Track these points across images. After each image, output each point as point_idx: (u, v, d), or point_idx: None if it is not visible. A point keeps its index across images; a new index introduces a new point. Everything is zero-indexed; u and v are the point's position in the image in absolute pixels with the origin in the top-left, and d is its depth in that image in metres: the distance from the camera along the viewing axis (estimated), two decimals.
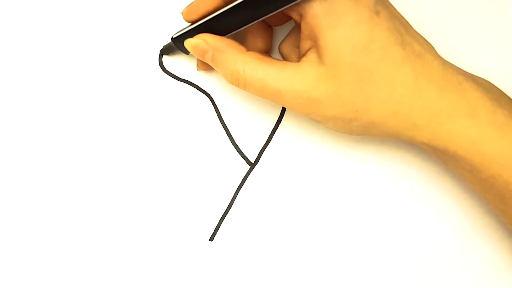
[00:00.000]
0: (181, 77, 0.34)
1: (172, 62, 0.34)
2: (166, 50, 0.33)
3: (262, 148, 0.33)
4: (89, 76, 0.34)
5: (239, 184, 0.33)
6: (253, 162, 0.33)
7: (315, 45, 0.27)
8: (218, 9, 0.28)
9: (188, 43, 0.30)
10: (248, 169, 0.33)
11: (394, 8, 0.28)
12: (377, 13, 0.26)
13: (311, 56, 0.27)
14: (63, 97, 0.33)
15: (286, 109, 0.34)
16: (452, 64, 0.28)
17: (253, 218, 0.33)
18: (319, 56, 0.27)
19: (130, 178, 0.33)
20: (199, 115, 0.33)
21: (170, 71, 0.34)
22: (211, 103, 0.34)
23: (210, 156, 0.33)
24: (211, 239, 0.33)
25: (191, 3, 0.29)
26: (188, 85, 0.34)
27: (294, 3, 0.26)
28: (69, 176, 0.33)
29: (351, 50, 0.26)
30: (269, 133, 0.33)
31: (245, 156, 0.33)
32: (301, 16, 0.27)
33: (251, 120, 0.33)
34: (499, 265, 0.32)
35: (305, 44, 0.28)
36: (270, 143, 0.33)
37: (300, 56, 0.28)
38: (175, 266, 0.32)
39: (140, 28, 0.34)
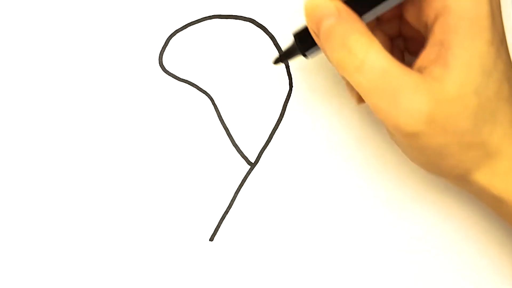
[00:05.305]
0: (181, 77, 0.34)
1: (172, 62, 0.34)
2: (285, 56, 0.29)
3: (262, 148, 0.33)
4: (89, 76, 0.34)
5: (239, 184, 0.33)
6: (253, 162, 0.33)
7: (445, 55, 0.23)
8: None
9: (310, 2, 0.24)
10: (248, 169, 0.33)
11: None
12: (502, 42, 0.24)
13: (436, 70, 0.23)
14: (63, 97, 0.33)
15: (286, 109, 0.34)
16: None
17: (253, 218, 0.33)
18: (447, 69, 0.23)
19: (130, 178, 0.33)
20: (199, 115, 0.33)
21: (170, 71, 0.34)
22: (211, 103, 0.34)
23: (210, 156, 0.33)
24: (211, 239, 0.33)
25: None
26: (188, 85, 0.34)
27: None
28: (69, 177, 0.33)
29: (481, 71, 0.23)
30: (269, 133, 0.33)
31: (245, 156, 0.33)
32: (437, 15, 0.23)
33: (251, 120, 0.33)
34: (497, 267, 0.32)
35: (430, 53, 0.24)
36: (270, 143, 0.33)
37: (417, 67, 0.24)
38: (175, 266, 0.32)
39: (140, 28, 0.34)
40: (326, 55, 0.25)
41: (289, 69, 0.34)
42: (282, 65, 0.34)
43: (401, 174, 0.33)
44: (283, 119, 0.33)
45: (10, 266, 0.32)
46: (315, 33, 0.25)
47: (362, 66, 0.23)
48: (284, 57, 0.29)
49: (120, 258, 0.32)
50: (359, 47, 0.23)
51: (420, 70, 0.24)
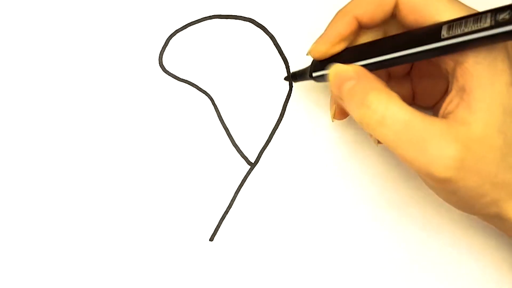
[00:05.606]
0: (181, 77, 0.34)
1: (172, 62, 0.34)
2: (298, 78, 0.32)
3: (262, 148, 0.33)
4: (89, 77, 0.34)
5: (239, 184, 0.33)
6: (253, 162, 0.33)
7: (467, 99, 0.24)
8: (352, 36, 0.27)
9: (335, 68, 0.27)
10: (248, 169, 0.33)
11: None
12: None
13: (461, 114, 0.24)
14: (63, 97, 0.33)
15: (286, 109, 0.34)
16: None
17: (253, 218, 0.33)
18: (471, 112, 0.24)
19: (130, 179, 0.33)
20: (199, 115, 0.33)
21: (170, 71, 0.34)
22: (211, 103, 0.34)
23: (210, 156, 0.33)
24: (211, 239, 0.33)
25: (318, 39, 0.28)
26: (188, 85, 0.34)
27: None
28: (69, 177, 0.33)
29: (502, 110, 0.24)
30: (269, 133, 0.33)
31: (245, 156, 0.33)
32: (456, 63, 0.24)
33: (251, 120, 0.33)
34: (497, 266, 0.32)
35: (454, 98, 0.25)
36: (270, 143, 0.33)
37: (442, 112, 0.25)
38: (175, 266, 0.32)
39: (140, 28, 0.34)
40: (350, 114, 0.26)
41: (289, 68, 0.34)
42: (282, 65, 0.34)
43: (402, 174, 0.33)
44: (283, 119, 0.33)
45: (10, 266, 0.32)
46: (339, 97, 0.27)
47: (384, 120, 0.24)
48: (297, 79, 0.32)
49: (120, 258, 0.32)
50: (378, 103, 0.25)
51: (445, 116, 0.25)
